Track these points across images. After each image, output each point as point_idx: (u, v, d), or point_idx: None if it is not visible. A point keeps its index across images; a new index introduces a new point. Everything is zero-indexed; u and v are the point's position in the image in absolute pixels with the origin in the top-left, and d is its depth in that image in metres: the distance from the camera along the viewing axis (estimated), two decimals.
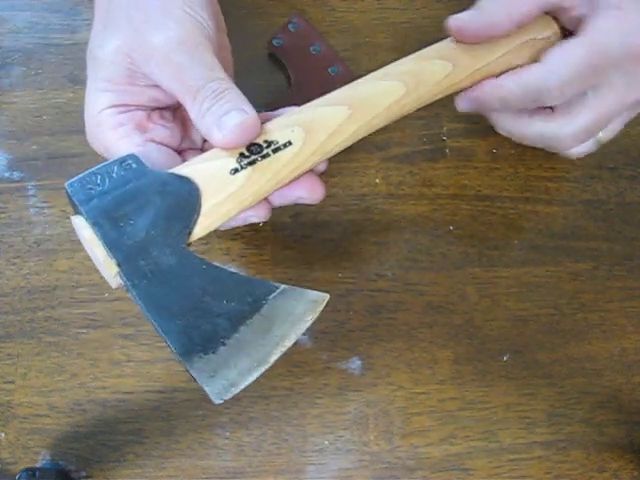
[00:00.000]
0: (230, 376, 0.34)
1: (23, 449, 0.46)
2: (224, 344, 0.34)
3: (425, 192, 0.51)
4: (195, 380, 0.33)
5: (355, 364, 0.48)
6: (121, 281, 0.34)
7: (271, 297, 0.35)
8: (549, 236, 0.51)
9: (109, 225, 0.33)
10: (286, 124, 0.39)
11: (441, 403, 0.47)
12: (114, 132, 0.38)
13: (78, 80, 0.54)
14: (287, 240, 0.50)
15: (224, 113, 0.36)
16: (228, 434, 0.46)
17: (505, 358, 0.48)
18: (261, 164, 0.37)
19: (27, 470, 0.43)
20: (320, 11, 0.56)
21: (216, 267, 0.35)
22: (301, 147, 0.38)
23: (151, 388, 0.47)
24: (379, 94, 0.40)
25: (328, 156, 0.40)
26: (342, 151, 0.52)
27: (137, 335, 0.48)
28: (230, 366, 0.34)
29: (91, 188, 0.34)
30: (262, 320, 0.34)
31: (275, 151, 0.37)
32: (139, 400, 0.47)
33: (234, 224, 0.39)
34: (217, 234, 0.50)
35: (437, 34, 0.55)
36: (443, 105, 0.53)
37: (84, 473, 0.45)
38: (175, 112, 0.42)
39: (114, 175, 0.35)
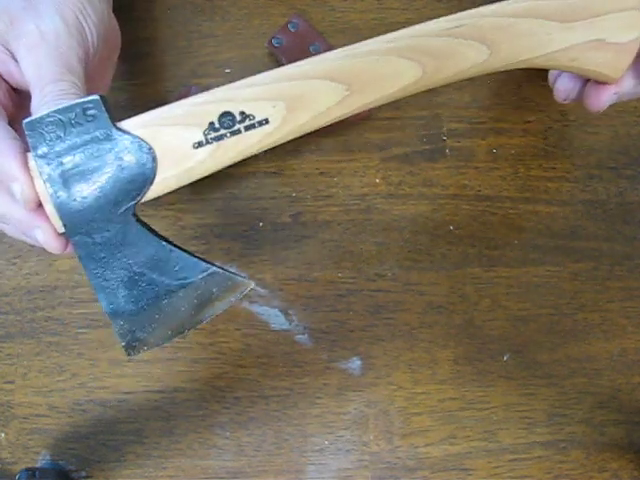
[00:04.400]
0: (145, 338, 0.37)
1: (23, 449, 0.46)
2: (146, 310, 0.36)
3: (425, 192, 0.52)
4: (114, 332, 0.36)
5: (355, 364, 0.48)
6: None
7: (199, 277, 0.37)
8: (549, 236, 0.51)
9: (61, 185, 0.34)
10: (270, 96, 0.35)
11: (441, 403, 0.47)
12: None
13: None
14: (287, 240, 0.50)
15: None
16: (228, 434, 0.46)
17: (505, 358, 0.48)
18: (228, 142, 0.35)
19: (27, 470, 0.44)
20: (320, 11, 0.56)
21: (157, 241, 0.36)
22: (276, 128, 0.35)
23: (151, 388, 0.47)
24: (389, 77, 0.35)
25: (301, 134, 0.36)
26: (342, 151, 0.52)
27: None
28: (147, 330, 0.37)
29: (51, 140, 0.34)
30: (186, 295, 0.36)
31: (247, 128, 0.35)
32: (139, 400, 0.47)
33: None
34: (216, 234, 0.50)
35: None
36: (443, 105, 0.53)
37: (84, 473, 0.45)
38: (18, 102, 0.41)
39: (74, 124, 0.34)
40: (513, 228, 0.51)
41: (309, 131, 0.36)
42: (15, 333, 0.48)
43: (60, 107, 0.34)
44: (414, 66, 0.36)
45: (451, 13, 0.58)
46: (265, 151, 0.37)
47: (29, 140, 0.34)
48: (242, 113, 0.35)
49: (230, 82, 0.53)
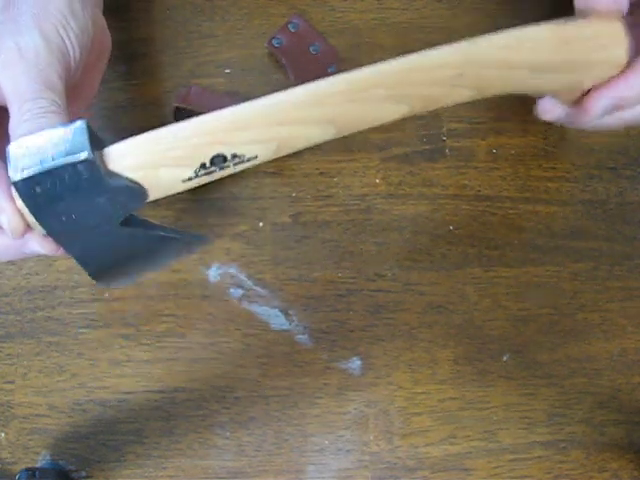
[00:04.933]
0: (117, 280, 0.43)
1: (23, 449, 0.46)
2: (122, 269, 0.41)
3: (425, 192, 0.51)
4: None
5: (355, 364, 0.48)
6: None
7: (170, 243, 0.41)
8: (549, 236, 0.51)
9: (53, 219, 0.35)
10: (264, 139, 0.36)
11: (441, 403, 0.47)
12: None
13: None
14: (287, 240, 0.50)
15: (34, 130, 0.34)
16: (228, 434, 0.46)
17: (505, 358, 0.48)
18: (215, 174, 0.36)
19: (27, 470, 0.43)
20: (320, 11, 0.56)
21: (142, 231, 0.39)
22: (263, 158, 0.36)
23: (151, 388, 0.47)
24: (377, 117, 0.37)
25: None
26: (342, 151, 0.52)
27: (137, 335, 0.48)
28: (118, 278, 0.42)
29: (41, 192, 0.33)
30: (155, 257, 0.42)
31: (237, 164, 0.36)
32: (139, 400, 0.47)
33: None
34: (216, 234, 0.50)
35: (437, 34, 0.55)
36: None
37: (84, 473, 0.45)
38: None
39: (65, 180, 0.33)
40: (513, 228, 0.51)
41: None
42: (15, 333, 0.48)
43: (51, 167, 0.33)
44: (404, 108, 0.37)
45: (451, 13, 0.58)
46: None
47: (22, 197, 0.33)
48: (234, 155, 0.35)
49: (230, 82, 0.53)
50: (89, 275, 0.40)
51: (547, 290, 0.50)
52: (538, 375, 0.48)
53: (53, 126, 0.34)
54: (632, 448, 0.47)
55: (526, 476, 0.46)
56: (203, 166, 0.35)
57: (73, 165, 0.33)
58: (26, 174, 0.32)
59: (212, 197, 0.51)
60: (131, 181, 0.35)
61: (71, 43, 0.38)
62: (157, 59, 0.54)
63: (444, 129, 0.53)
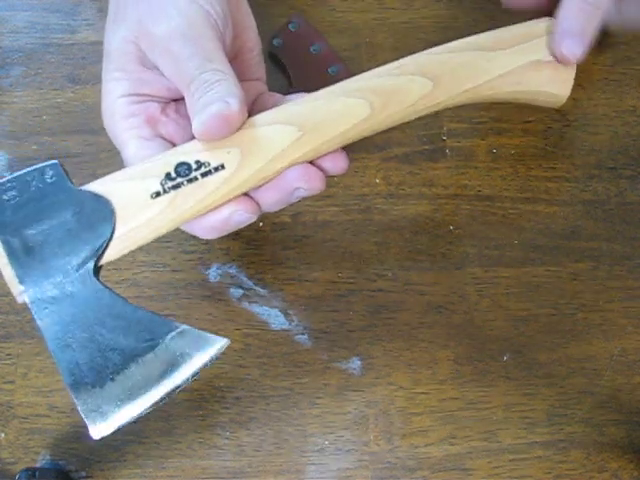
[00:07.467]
0: (112, 413, 0.34)
1: (23, 449, 0.46)
2: (112, 380, 0.34)
3: (425, 192, 0.52)
4: (79, 411, 0.33)
5: (355, 364, 0.48)
6: (26, 300, 0.34)
7: (168, 337, 0.34)
8: (549, 236, 0.51)
9: (18, 244, 0.34)
10: (223, 144, 0.36)
11: (441, 403, 0.47)
12: (125, 122, 0.38)
13: (78, 80, 0.54)
14: (287, 240, 0.50)
15: (208, 104, 0.35)
16: (228, 434, 0.46)
17: (505, 358, 0.48)
18: (185, 189, 0.35)
19: (27, 470, 0.44)
20: (320, 11, 0.56)
21: (120, 300, 0.35)
22: (233, 173, 0.35)
23: None
24: (337, 115, 0.37)
25: (266, 181, 0.37)
26: None
27: None
28: (113, 403, 0.34)
29: (6, 200, 0.34)
30: (154, 360, 0.34)
31: (204, 175, 0.35)
32: None
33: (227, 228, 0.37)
34: None
35: (437, 34, 0.55)
36: None
37: (84, 473, 0.45)
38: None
39: (32, 187, 0.34)
40: (513, 228, 0.51)
41: (271, 175, 0.36)
42: (15, 333, 0.48)
43: (18, 173, 0.34)
44: (362, 103, 0.37)
45: (451, 13, 0.58)
46: None
47: None
48: (197, 162, 0.35)
49: None
50: (67, 383, 0.33)
51: (547, 290, 0.50)
52: (538, 375, 0.48)
53: (225, 95, 0.35)
54: (632, 448, 0.47)
55: (526, 476, 0.46)
56: (169, 176, 0.35)
57: (40, 170, 0.35)
58: None
59: None
60: (96, 193, 0.35)
61: (209, 4, 0.37)
62: None
63: (444, 129, 0.53)
